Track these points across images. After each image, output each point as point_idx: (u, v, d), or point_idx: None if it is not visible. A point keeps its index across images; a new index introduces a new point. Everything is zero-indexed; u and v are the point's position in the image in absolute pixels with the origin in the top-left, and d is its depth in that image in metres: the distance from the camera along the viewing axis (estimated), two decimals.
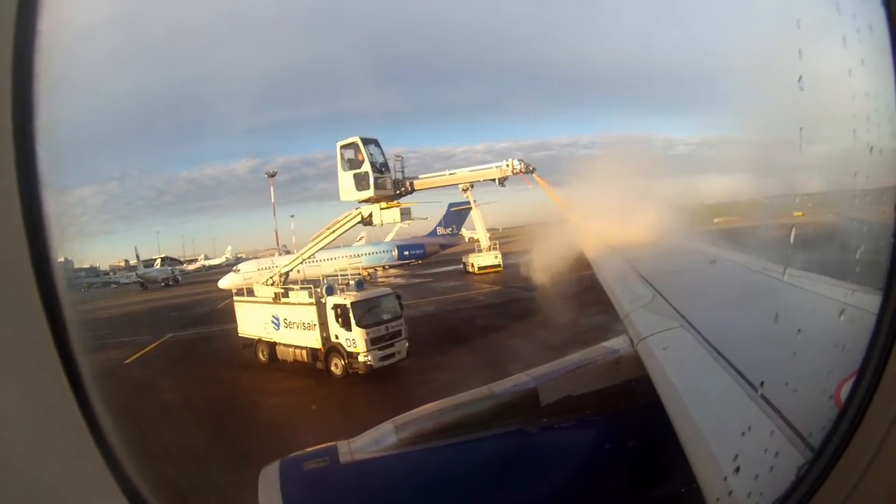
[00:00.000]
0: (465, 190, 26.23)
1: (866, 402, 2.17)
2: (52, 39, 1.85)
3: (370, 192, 21.67)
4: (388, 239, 50.15)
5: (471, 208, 40.26)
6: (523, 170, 22.93)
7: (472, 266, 44.39)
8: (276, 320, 23.23)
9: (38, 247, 1.90)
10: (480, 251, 43.88)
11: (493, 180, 23.43)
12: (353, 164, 21.94)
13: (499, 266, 43.33)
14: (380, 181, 21.76)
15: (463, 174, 23.97)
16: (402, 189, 22.73)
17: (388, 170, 22.30)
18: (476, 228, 43.59)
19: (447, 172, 23.84)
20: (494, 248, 44.11)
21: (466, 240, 50.53)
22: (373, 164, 21.68)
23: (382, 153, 22.37)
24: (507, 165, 23.02)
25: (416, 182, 23.08)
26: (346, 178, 21.98)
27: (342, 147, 22.18)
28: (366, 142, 21.88)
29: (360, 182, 21.67)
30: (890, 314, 2.20)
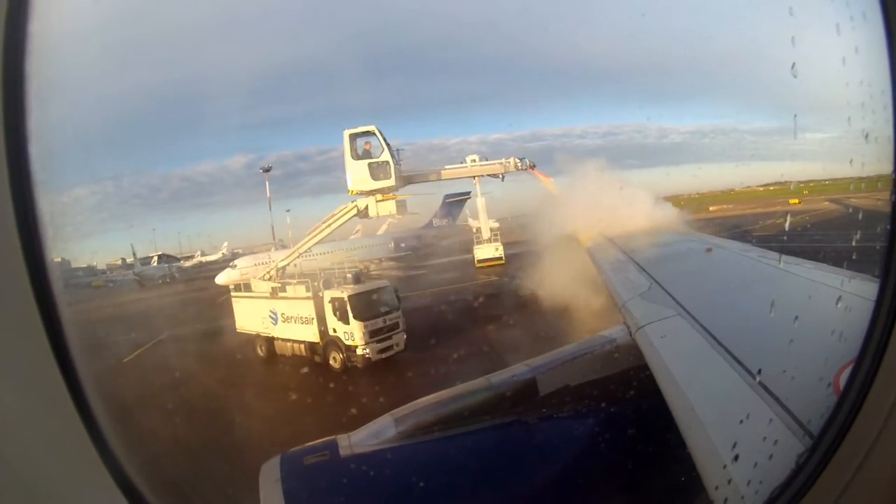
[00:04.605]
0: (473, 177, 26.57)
1: (865, 389, 2.17)
2: (43, 41, 1.84)
3: (391, 182, 21.43)
4: (380, 233, 49.60)
5: (467, 199, 39.55)
6: (524, 166, 23.45)
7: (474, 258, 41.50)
8: (273, 315, 23.15)
9: (33, 247, 1.89)
10: (480, 242, 39.82)
11: (498, 175, 24.23)
12: (367, 153, 21.66)
13: (500, 259, 39.12)
14: (398, 171, 21.65)
15: (464, 169, 24.23)
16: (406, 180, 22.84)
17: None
18: (479, 219, 41.27)
19: (447, 167, 24.01)
20: (496, 240, 40.27)
21: (474, 230, 48.35)
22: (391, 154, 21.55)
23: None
24: (509, 162, 23.79)
25: (415, 176, 23.09)
26: (358, 168, 21.62)
27: (352, 136, 21.77)
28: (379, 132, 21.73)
29: (378, 171, 21.37)
30: (888, 301, 2.20)
